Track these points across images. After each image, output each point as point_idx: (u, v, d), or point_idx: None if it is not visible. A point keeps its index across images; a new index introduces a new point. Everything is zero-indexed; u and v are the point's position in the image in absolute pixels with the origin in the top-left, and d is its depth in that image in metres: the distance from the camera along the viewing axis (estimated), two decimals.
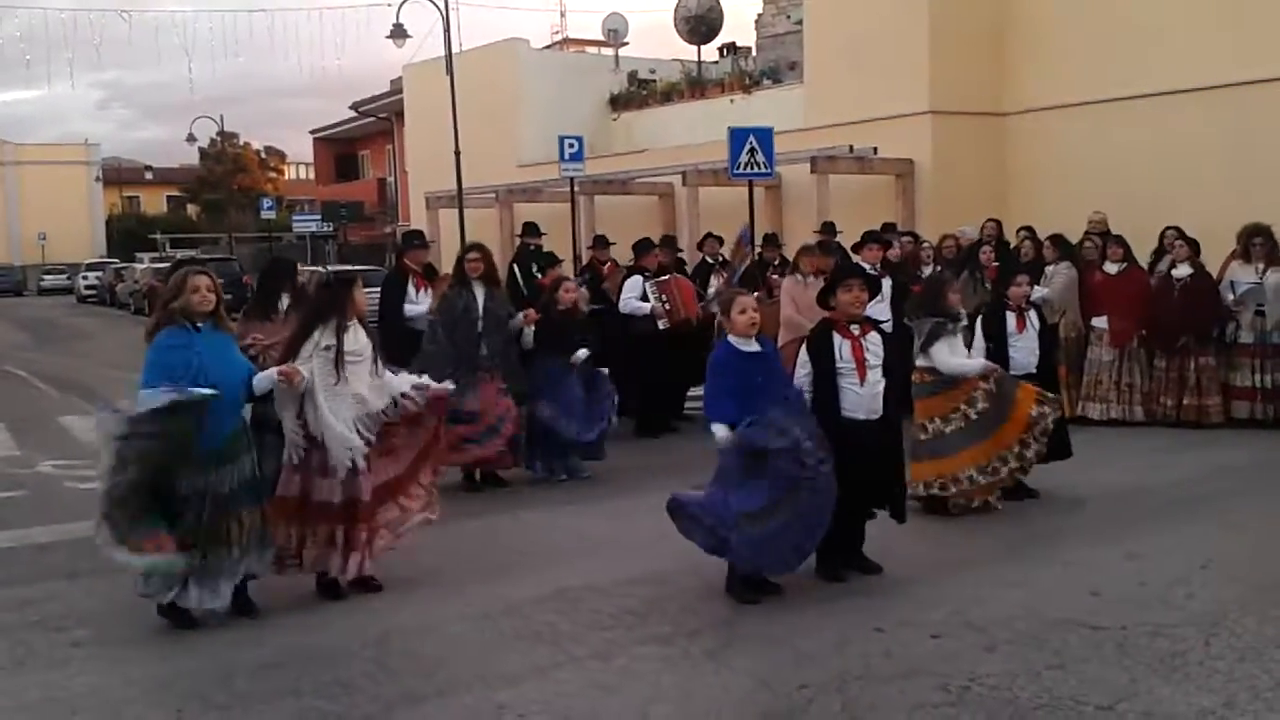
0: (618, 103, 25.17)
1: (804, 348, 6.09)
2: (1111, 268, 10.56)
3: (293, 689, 4.68)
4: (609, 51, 27.47)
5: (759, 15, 24.84)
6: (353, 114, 41.90)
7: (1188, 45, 14.29)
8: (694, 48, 26.11)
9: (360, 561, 5.84)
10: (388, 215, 38.69)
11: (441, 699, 4.57)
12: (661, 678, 4.74)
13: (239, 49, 56.17)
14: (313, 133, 50.18)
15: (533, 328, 8.55)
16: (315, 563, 5.84)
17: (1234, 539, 6.67)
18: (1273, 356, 10.00)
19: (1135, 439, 9.78)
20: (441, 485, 6.56)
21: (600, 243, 12.22)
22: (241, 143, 61.74)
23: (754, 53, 24.84)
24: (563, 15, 79.80)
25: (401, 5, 22.75)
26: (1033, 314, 7.89)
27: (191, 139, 43.18)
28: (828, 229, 12.32)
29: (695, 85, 23.61)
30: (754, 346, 5.80)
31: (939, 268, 10.87)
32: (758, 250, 12.60)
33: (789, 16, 22.67)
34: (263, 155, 65.85)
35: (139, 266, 37.64)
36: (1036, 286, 9.37)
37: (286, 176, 68.35)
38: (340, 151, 49.21)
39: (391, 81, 35.35)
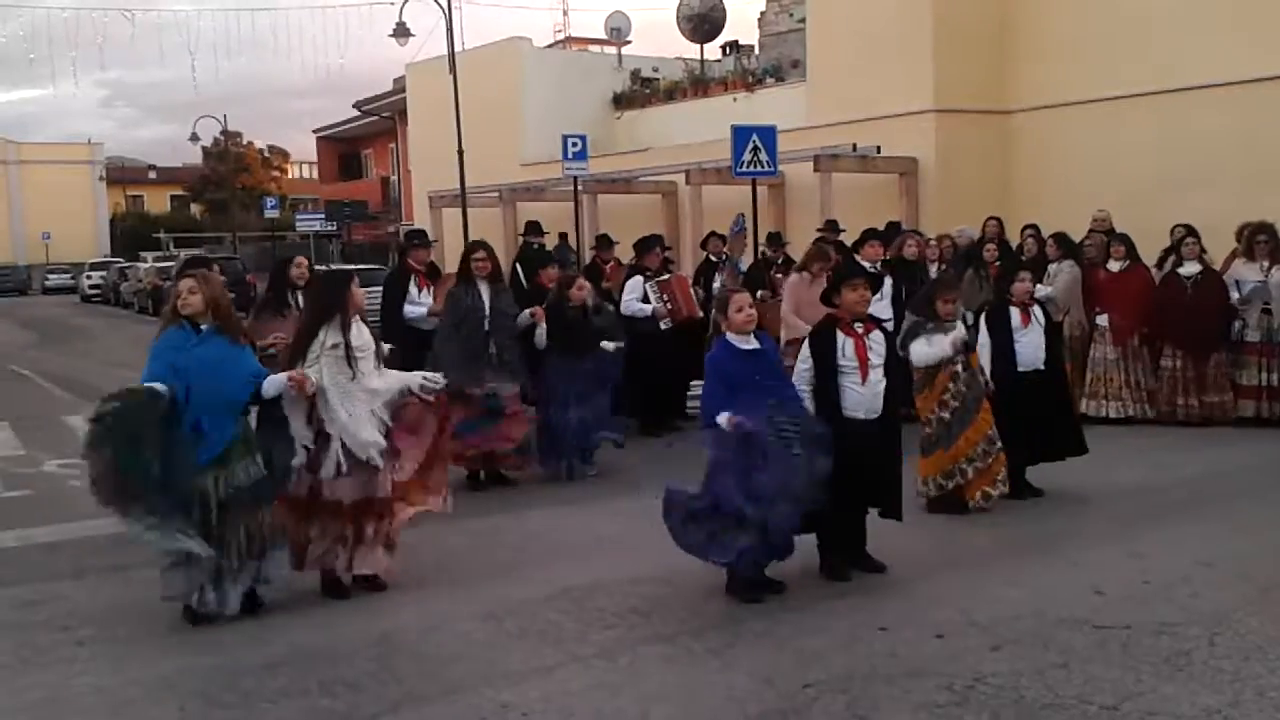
0: (621, 101, 25.18)
1: (805, 344, 6.10)
2: (1114, 266, 10.55)
3: (297, 688, 4.68)
4: (612, 50, 27.43)
5: (762, 13, 24.78)
6: (356, 113, 41.96)
7: (1192, 42, 14.26)
8: (697, 46, 26.09)
9: (370, 558, 5.84)
10: (391, 214, 38.73)
11: (446, 698, 4.57)
12: (666, 677, 4.74)
13: (242, 48, 56.41)
14: (316, 132, 50.29)
15: (544, 326, 8.56)
16: (322, 560, 5.85)
17: (1239, 538, 6.65)
18: (1279, 355, 9.98)
19: (1140, 437, 9.77)
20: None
21: (603, 242, 12.21)
22: (245, 142, 61.87)
23: (757, 51, 24.78)
24: (565, 14, 79.77)
25: (404, 4, 22.96)
26: (1037, 310, 7.89)
27: (195, 138, 43.37)
28: (831, 227, 12.32)
29: (698, 84, 23.59)
30: (752, 344, 5.77)
31: (944, 267, 10.86)
32: (761, 249, 12.58)
33: (792, 14, 22.61)
34: (266, 154, 65.94)
35: (143, 266, 37.63)
36: (1040, 285, 9.36)
37: (290, 176, 68.43)
38: (343, 150, 49.30)
39: (395, 80, 35.40)
